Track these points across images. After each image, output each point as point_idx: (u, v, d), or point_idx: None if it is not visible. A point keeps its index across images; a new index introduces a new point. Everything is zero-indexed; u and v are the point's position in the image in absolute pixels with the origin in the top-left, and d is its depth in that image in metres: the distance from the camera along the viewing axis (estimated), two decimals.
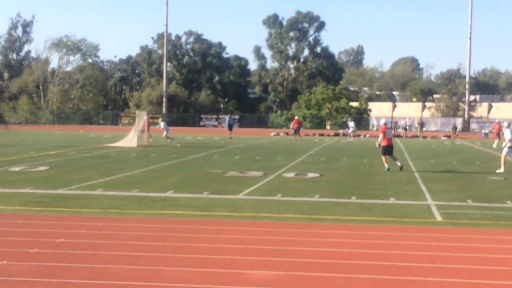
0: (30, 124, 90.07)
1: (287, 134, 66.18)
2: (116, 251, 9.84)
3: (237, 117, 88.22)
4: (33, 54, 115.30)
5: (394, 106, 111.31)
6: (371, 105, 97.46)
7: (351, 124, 52.58)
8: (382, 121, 24.99)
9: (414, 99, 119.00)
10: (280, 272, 8.74)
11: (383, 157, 24.19)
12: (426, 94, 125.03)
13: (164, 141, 41.78)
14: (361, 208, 14.64)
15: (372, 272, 8.76)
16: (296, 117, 55.37)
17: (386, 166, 23.84)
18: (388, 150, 24.10)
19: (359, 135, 60.85)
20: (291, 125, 53.79)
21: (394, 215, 13.72)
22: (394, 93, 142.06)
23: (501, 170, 24.13)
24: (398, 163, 24.12)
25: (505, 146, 24.65)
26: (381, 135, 24.18)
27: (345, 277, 8.51)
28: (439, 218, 13.42)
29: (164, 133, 42.38)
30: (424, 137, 62.23)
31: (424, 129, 69.62)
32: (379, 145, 24.43)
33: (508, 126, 25.11)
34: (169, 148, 36.81)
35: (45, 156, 29.65)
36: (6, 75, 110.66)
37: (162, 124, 43.26)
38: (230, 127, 56.02)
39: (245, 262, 9.29)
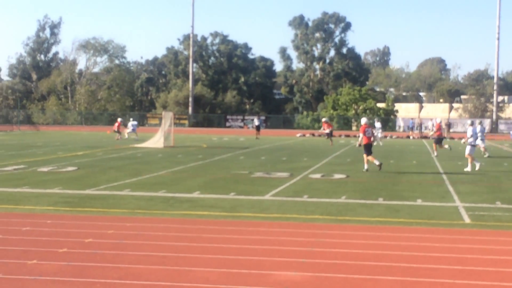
0: (58, 124, 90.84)
1: (313, 135, 66.09)
2: (144, 251, 9.90)
3: (263, 117, 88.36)
4: (61, 56, 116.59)
5: (421, 107, 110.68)
6: (398, 106, 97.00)
7: (377, 125, 48.64)
8: (363, 121, 24.87)
9: (441, 100, 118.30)
10: (307, 273, 8.74)
11: (365, 157, 24.05)
12: (453, 95, 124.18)
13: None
14: (388, 210, 14.59)
15: (399, 274, 8.73)
16: (324, 119, 50.15)
17: (366, 167, 23.91)
18: (368, 148, 24.03)
19: (386, 136, 60.51)
20: (322, 127, 49.40)
21: (422, 216, 13.65)
22: (421, 94, 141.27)
23: (468, 168, 24.61)
24: (376, 162, 23.83)
25: (466, 143, 25.32)
26: (361, 135, 24.24)
27: (371, 279, 8.50)
28: (467, 220, 13.33)
29: (129, 130, 48.57)
30: (452, 138, 61.80)
31: (451, 130, 69.12)
32: (360, 145, 24.56)
33: (471, 124, 26.00)
34: (196, 149, 36.95)
35: (73, 156, 29.90)
36: (34, 76, 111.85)
37: (130, 124, 49.45)
38: (258, 128, 56.22)
39: (272, 263, 9.30)
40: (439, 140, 33.29)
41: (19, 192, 16.85)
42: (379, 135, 47.00)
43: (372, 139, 24.55)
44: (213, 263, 9.23)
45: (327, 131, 45.29)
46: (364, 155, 24.13)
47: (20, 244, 10.35)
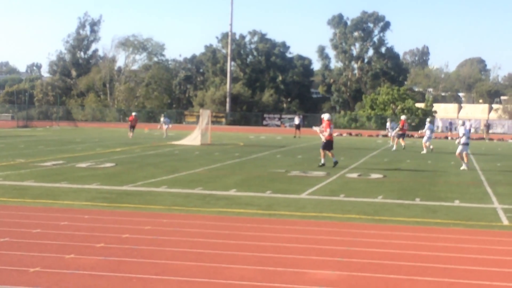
0: (96, 121, 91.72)
1: (350, 134, 65.85)
2: (180, 248, 9.95)
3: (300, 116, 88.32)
4: (100, 53, 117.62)
5: (460, 108, 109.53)
6: (436, 106, 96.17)
7: (391, 125, 45.58)
8: (326, 116, 25.69)
9: (480, 101, 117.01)
10: (343, 272, 8.70)
11: (322, 151, 24.85)
12: (493, 96, 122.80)
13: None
14: (425, 210, 14.47)
15: (436, 275, 8.65)
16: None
17: (322, 161, 24.58)
18: (328, 145, 24.74)
19: (422, 137, 59.84)
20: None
21: (459, 218, 13.51)
22: (460, 94, 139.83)
23: (464, 167, 25.12)
24: (334, 159, 24.68)
25: (459, 143, 25.66)
26: (328, 130, 24.88)
27: (408, 279, 8.43)
28: (505, 221, 13.16)
29: (165, 127, 48.83)
30: (491, 139, 61.09)
31: (490, 131, 68.30)
32: (325, 140, 24.96)
33: (463, 124, 26.55)
34: (232, 147, 37.05)
35: (111, 153, 30.18)
36: (74, 73, 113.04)
37: (163, 119, 49.65)
38: (298, 126, 56.29)
39: (308, 261, 9.28)
40: (402, 135, 38.44)
41: (57, 187, 17.05)
42: (392, 134, 43.89)
43: (332, 137, 25.41)
44: (249, 260, 9.23)
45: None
46: (322, 150, 24.86)
47: (58, 238, 10.47)
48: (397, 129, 39.55)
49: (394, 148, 37.87)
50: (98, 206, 14.02)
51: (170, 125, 49.73)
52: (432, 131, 37.01)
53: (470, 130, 26.46)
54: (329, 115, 25.91)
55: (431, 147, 36.28)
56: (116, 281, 8.05)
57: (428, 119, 39.10)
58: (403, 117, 40.92)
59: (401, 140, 38.31)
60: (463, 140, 25.29)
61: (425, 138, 36.44)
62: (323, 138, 24.99)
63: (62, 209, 13.54)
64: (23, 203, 14.23)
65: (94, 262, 8.96)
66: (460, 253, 10.08)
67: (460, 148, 25.42)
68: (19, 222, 11.82)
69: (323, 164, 24.41)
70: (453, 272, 8.86)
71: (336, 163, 24.54)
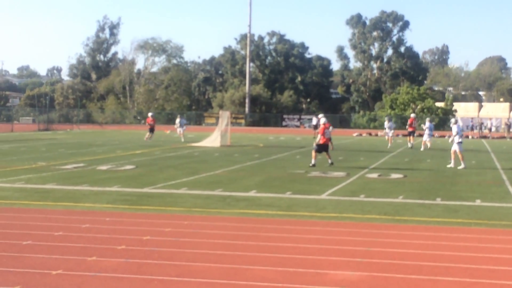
0: (116, 124, 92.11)
1: (370, 134, 65.64)
2: (201, 249, 9.97)
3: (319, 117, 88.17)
4: (119, 56, 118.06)
5: (480, 107, 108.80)
6: (456, 105, 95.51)
7: (388, 124, 42.32)
8: (322, 120, 26.05)
9: (501, 99, 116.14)
10: (364, 273, 8.69)
11: (313, 153, 25.15)
12: None
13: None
14: (446, 210, 14.40)
15: (458, 275, 8.61)
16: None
17: (313, 161, 24.88)
18: (323, 148, 25.14)
19: (443, 136, 59.53)
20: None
21: (481, 217, 13.43)
22: (480, 93, 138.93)
23: (462, 166, 25.12)
24: (330, 161, 25.06)
25: (452, 141, 25.84)
26: (319, 136, 25.36)
27: (430, 279, 8.40)
28: None
29: (179, 130, 46.41)
30: None
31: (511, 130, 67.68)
32: (317, 144, 25.28)
33: (455, 122, 26.54)
34: (252, 148, 37.06)
35: (131, 155, 30.28)
36: (94, 76, 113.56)
37: (178, 121, 47.17)
38: (316, 127, 56.29)
39: (328, 262, 9.27)
40: (411, 133, 39.97)
41: (78, 190, 17.15)
42: (390, 134, 41.95)
43: (329, 140, 25.57)
44: (270, 261, 9.24)
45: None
46: (313, 152, 25.18)
47: (80, 241, 10.53)
48: (392, 130, 42.15)
49: (409, 146, 39.25)
50: (119, 209, 14.10)
51: (177, 127, 47.31)
52: (431, 129, 38.03)
53: (462, 128, 26.66)
54: (325, 119, 26.29)
55: (428, 145, 37.51)
56: (137, 283, 8.09)
57: (428, 118, 40.26)
58: (412, 115, 42.31)
59: (410, 138, 39.99)
60: (456, 139, 25.47)
61: (425, 136, 37.74)
62: (316, 140, 25.61)
63: (83, 211, 13.63)
64: (45, 206, 14.33)
65: (115, 264, 9.01)
66: (482, 253, 10.02)
67: (455, 146, 25.55)
68: (41, 225, 11.92)
69: (314, 165, 24.66)
70: (475, 272, 8.82)
71: (332, 164, 24.94)
